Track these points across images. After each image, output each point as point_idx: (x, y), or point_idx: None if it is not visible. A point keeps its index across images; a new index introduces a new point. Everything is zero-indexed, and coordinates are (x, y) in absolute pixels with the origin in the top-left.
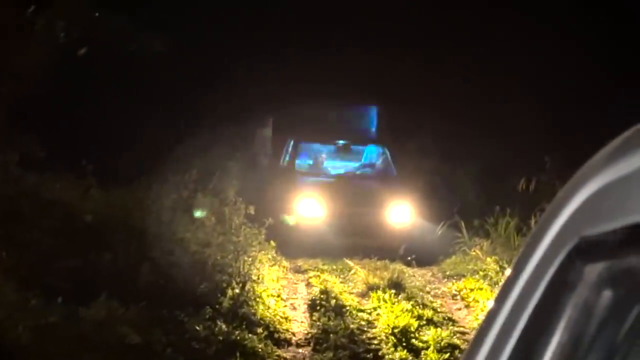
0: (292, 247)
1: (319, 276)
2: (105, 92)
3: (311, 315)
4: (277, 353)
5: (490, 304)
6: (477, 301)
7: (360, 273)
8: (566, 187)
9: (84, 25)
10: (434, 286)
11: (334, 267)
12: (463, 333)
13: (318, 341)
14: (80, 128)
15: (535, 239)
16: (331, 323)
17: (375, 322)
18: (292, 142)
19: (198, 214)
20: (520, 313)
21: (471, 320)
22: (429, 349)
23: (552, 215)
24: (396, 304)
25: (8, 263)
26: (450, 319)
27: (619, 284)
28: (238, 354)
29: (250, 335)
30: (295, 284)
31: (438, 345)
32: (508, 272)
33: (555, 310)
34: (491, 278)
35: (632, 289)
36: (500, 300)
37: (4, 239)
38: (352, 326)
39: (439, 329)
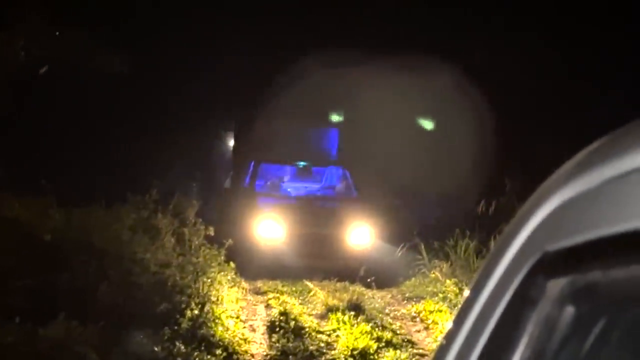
0: (251, 268)
1: (278, 298)
2: (65, 111)
3: (270, 337)
4: None
5: (448, 324)
6: (437, 323)
7: (320, 295)
8: (529, 202)
9: (44, 43)
10: (393, 308)
11: (294, 288)
12: (422, 355)
13: None
14: (39, 147)
15: (497, 255)
16: (290, 345)
17: (335, 344)
18: (252, 163)
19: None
20: (481, 331)
21: (430, 342)
22: None
23: (514, 231)
24: (355, 325)
25: None
26: (409, 341)
27: (582, 299)
28: None
29: (209, 356)
30: (255, 305)
31: None
32: (467, 293)
33: (516, 327)
34: (450, 300)
35: (595, 304)
36: (460, 319)
37: None
38: (311, 348)
39: (398, 351)
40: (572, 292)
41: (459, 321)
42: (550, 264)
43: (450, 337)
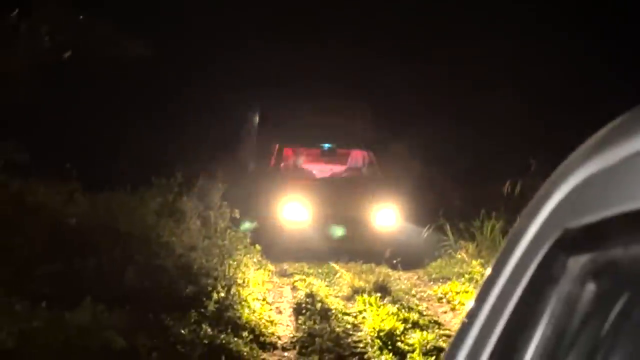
0: (277, 250)
1: (304, 280)
2: (89, 96)
3: (297, 319)
4: (262, 357)
5: (470, 303)
6: (463, 304)
7: (346, 276)
8: (550, 180)
9: (67, 29)
10: (419, 289)
11: (320, 270)
12: (449, 336)
13: (304, 345)
14: (64, 132)
15: (518, 234)
16: (317, 326)
17: (361, 326)
18: (277, 146)
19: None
20: (502, 309)
21: (457, 323)
22: (415, 352)
23: (535, 209)
24: (382, 307)
25: None
26: (436, 322)
27: (603, 276)
28: (223, 358)
29: (235, 339)
30: (281, 287)
31: (424, 348)
32: (489, 271)
33: (538, 304)
34: (477, 281)
35: (616, 281)
36: (481, 298)
37: None
38: (337, 329)
39: (424, 332)
40: (593, 269)
41: (480, 300)
42: (571, 242)
43: (472, 315)
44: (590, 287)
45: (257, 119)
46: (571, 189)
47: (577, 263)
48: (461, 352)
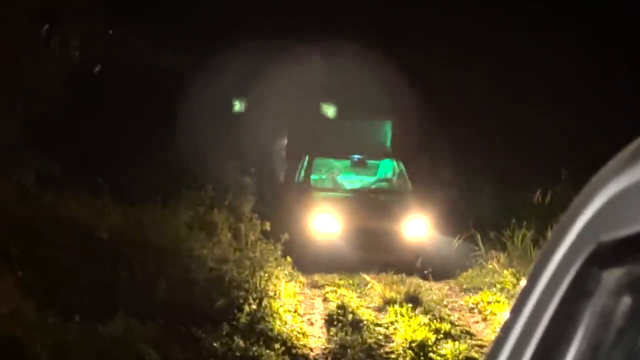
0: (308, 262)
1: (335, 291)
2: (120, 109)
3: (328, 331)
4: None
5: (506, 314)
6: (495, 314)
7: (377, 287)
8: (583, 193)
9: (98, 42)
10: (451, 300)
11: (351, 281)
12: (481, 346)
13: (335, 356)
14: (95, 145)
15: (552, 247)
16: (348, 338)
17: (393, 337)
18: (307, 157)
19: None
20: (537, 322)
21: (489, 333)
22: None
23: (569, 222)
24: (413, 318)
25: (26, 282)
26: (468, 333)
27: (639, 289)
28: None
29: (267, 351)
30: (312, 299)
31: (456, 358)
32: (524, 282)
33: (573, 318)
34: (508, 291)
35: None
36: (517, 310)
37: (22, 257)
38: (369, 341)
39: (456, 343)
40: (629, 282)
41: (515, 312)
42: (605, 255)
43: (508, 328)
44: (626, 301)
45: (286, 130)
46: (604, 202)
47: (611, 276)
48: None
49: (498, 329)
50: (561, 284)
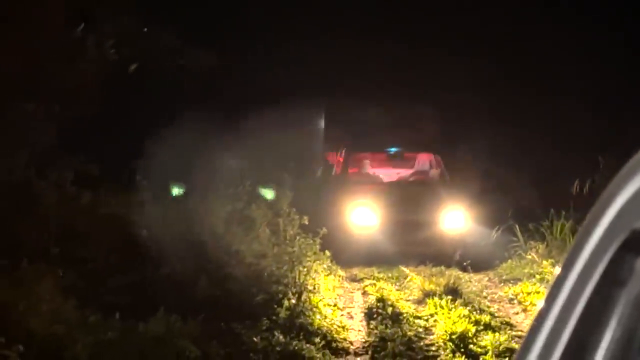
0: (347, 256)
1: (374, 284)
2: (155, 107)
3: (368, 324)
4: None
5: (540, 304)
6: (535, 305)
7: (416, 280)
8: (615, 181)
9: (133, 41)
10: (490, 291)
11: (390, 274)
12: (521, 337)
13: (376, 349)
14: (132, 143)
15: (585, 235)
16: (388, 331)
17: (433, 329)
18: (344, 151)
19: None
20: (571, 310)
21: (529, 324)
22: (488, 354)
23: (601, 211)
24: (453, 310)
25: (66, 281)
26: (508, 324)
27: None
28: None
29: (308, 345)
30: (351, 292)
31: (496, 350)
32: (558, 271)
33: (606, 306)
34: (548, 281)
35: None
36: (551, 299)
37: (62, 257)
38: (409, 333)
39: (497, 334)
40: None
41: (550, 300)
42: (638, 243)
43: (542, 316)
44: None
45: (323, 124)
46: (636, 190)
47: None
48: (532, 353)
49: (533, 318)
50: (595, 272)
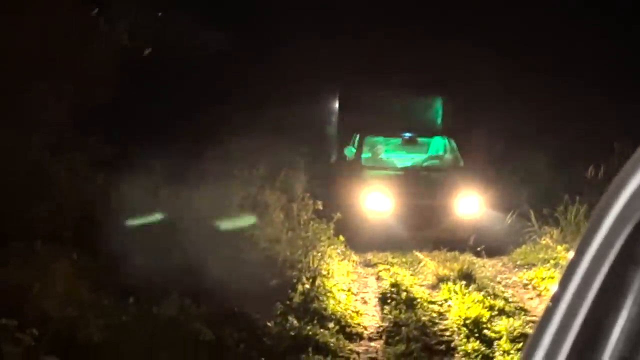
0: (361, 241)
1: (388, 269)
2: (170, 91)
3: (382, 309)
4: (349, 347)
5: (555, 286)
6: (549, 290)
7: (430, 265)
8: (630, 162)
9: (146, 25)
10: (504, 276)
11: (404, 259)
12: (536, 322)
13: (390, 334)
14: (146, 127)
15: (600, 216)
16: (402, 316)
17: (447, 314)
18: (358, 136)
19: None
20: (586, 291)
21: (543, 309)
22: (502, 339)
23: (616, 191)
24: (467, 295)
25: (80, 264)
26: (522, 309)
27: None
28: (310, 349)
29: (321, 330)
30: (365, 277)
31: (511, 335)
32: (572, 254)
33: (622, 285)
34: (562, 266)
35: None
36: (565, 281)
37: (76, 240)
38: (423, 318)
39: (511, 319)
40: None
41: (564, 283)
42: None
43: (557, 299)
44: None
45: (337, 109)
46: None
47: None
48: (547, 336)
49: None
50: (610, 253)
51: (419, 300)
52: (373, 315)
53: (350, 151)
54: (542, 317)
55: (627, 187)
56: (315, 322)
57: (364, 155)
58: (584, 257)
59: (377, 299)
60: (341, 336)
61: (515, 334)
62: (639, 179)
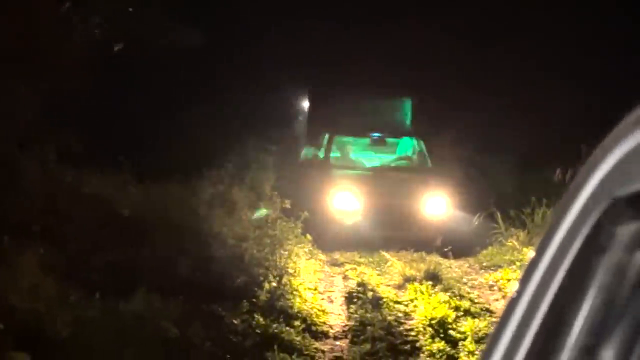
0: (328, 240)
1: (355, 269)
2: (139, 87)
3: (348, 308)
4: (314, 346)
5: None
6: None
7: (397, 265)
8: (598, 149)
9: (118, 20)
10: (470, 277)
11: (371, 259)
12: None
13: (355, 333)
14: (116, 122)
15: (566, 205)
16: (368, 315)
17: (413, 314)
18: (327, 135)
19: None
20: (549, 282)
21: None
22: (467, 340)
23: (583, 180)
24: (433, 295)
25: (47, 258)
26: (487, 310)
27: None
28: (276, 347)
29: (287, 328)
30: (332, 276)
31: (476, 335)
32: (532, 253)
33: (586, 276)
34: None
35: None
36: (527, 277)
37: (43, 234)
38: (389, 318)
39: (476, 320)
40: None
41: (525, 279)
42: (619, 210)
43: (518, 294)
44: None
45: (306, 109)
46: (620, 157)
47: (626, 232)
48: (508, 330)
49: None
50: (574, 242)
51: (385, 300)
52: (339, 314)
53: (308, 151)
54: (503, 313)
55: (593, 176)
56: (281, 320)
57: (332, 155)
58: (547, 249)
59: (343, 298)
60: (307, 334)
61: (480, 334)
62: (605, 168)
